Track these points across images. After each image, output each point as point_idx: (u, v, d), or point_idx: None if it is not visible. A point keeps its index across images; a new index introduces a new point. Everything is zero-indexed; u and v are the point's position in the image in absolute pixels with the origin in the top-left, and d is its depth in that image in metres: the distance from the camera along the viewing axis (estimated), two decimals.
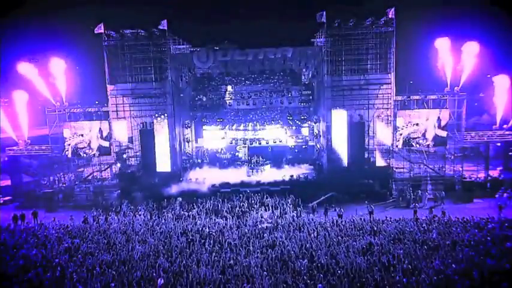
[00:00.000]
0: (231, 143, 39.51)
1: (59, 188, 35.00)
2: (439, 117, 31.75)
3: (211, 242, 21.26)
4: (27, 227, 25.55)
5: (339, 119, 31.91)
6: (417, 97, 32.65)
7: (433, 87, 34.10)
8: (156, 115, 32.80)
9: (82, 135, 33.99)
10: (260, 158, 38.75)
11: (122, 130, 33.79)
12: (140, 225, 24.94)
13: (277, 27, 49.75)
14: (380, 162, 32.47)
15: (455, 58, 31.88)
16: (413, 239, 20.53)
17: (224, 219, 25.63)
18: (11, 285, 17.01)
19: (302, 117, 39.43)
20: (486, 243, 19.41)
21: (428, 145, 32.58)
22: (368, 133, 32.28)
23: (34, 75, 34.72)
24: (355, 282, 16.16)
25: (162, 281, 16.55)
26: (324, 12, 30.96)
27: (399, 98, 32.33)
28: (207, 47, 34.29)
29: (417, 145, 32.75)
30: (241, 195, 30.00)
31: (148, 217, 26.84)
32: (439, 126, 31.75)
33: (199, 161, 40.25)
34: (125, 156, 34.48)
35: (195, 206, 28.18)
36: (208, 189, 31.88)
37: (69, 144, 34.18)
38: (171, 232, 22.98)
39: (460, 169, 33.15)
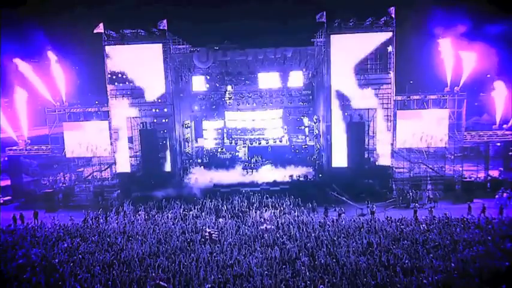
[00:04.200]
0: (231, 143, 39.48)
1: (59, 188, 35.00)
2: (439, 117, 31.80)
3: (211, 242, 21.28)
4: (27, 227, 25.55)
5: (339, 119, 31.93)
6: (417, 97, 32.63)
7: (433, 87, 34.11)
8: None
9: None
10: (260, 158, 38.77)
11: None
12: (140, 225, 24.95)
13: (277, 27, 49.82)
14: (380, 162, 32.45)
15: (456, 58, 31.89)
16: (413, 239, 20.55)
17: (224, 219, 25.63)
18: (11, 285, 17.02)
19: (302, 117, 39.45)
20: (486, 243, 19.44)
21: (428, 145, 32.57)
22: (368, 133, 32.26)
23: (34, 75, 34.76)
24: (355, 282, 16.18)
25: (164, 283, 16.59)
26: (324, 13, 30.97)
27: (399, 98, 32.31)
28: (207, 47, 34.26)
29: (417, 145, 32.74)
30: (241, 195, 29.99)
31: (148, 217, 26.81)
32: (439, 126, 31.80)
33: (199, 160, 40.24)
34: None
35: (195, 206, 28.18)
36: (208, 189, 31.88)
37: (68, 144, 34.23)
38: (171, 232, 23.00)
39: (460, 169, 33.15)
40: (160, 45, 32.60)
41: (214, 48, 34.24)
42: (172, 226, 24.27)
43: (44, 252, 20.57)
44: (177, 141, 34.76)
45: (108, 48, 32.76)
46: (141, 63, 32.83)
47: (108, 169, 36.04)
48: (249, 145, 39.29)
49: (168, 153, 33.69)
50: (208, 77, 37.43)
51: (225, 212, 26.85)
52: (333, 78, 31.53)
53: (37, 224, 26.47)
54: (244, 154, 40.28)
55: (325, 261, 18.02)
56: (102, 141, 34.13)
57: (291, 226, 23.24)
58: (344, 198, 29.41)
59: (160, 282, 16.56)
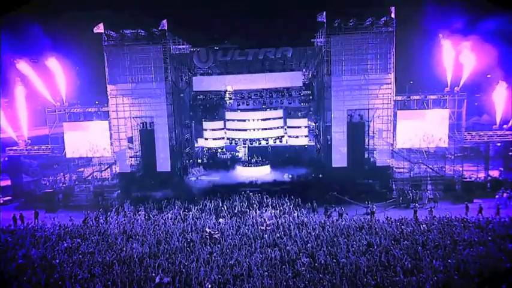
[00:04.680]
0: (231, 143, 39.46)
1: (59, 188, 35.01)
2: (439, 117, 31.82)
3: (211, 242, 21.29)
4: (27, 227, 25.55)
5: (339, 119, 31.94)
6: (417, 97, 32.66)
7: (433, 87, 34.11)
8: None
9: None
10: (260, 158, 38.76)
11: None
12: (140, 225, 24.95)
13: (277, 27, 49.77)
14: (380, 162, 32.47)
15: (456, 58, 31.89)
16: (413, 239, 20.54)
17: (224, 219, 25.63)
18: (11, 285, 17.03)
19: (302, 117, 39.43)
20: (486, 243, 19.44)
21: (428, 145, 32.59)
22: (368, 133, 32.28)
23: (34, 75, 34.75)
24: (355, 282, 16.17)
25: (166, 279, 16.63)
26: (324, 12, 30.98)
27: (399, 98, 32.33)
28: (207, 47, 34.26)
29: (417, 145, 32.76)
30: (241, 195, 29.98)
31: (149, 217, 26.80)
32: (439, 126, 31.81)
33: (199, 160, 40.22)
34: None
35: (195, 206, 28.18)
36: (208, 189, 31.88)
37: (69, 144, 34.24)
38: (171, 232, 23.00)
39: (460, 169, 33.16)
40: (160, 45, 32.62)
41: (214, 48, 34.24)
42: (173, 226, 24.25)
43: (44, 252, 20.57)
44: (177, 141, 34.76)
45: (108, 48, 32.79)
46: (141, 63, 32.87)
47: (108, 169, 36.05)
48: (249, 145, 39.28)
49: (168, 153, 33.68)
50: (208, 77, 37.42)
51: (225, 212, 26.84)
52: (333, 78, 31.55)
53: (37, 224, 26.47)
54: (244, 154, 40.27)
55: (325, 262, 18.01)
56: (102, 141, 34.13)
57: (291, 226, 23.23)
58: (346, 198, 29.42)
59: (163, 280, 16.57)
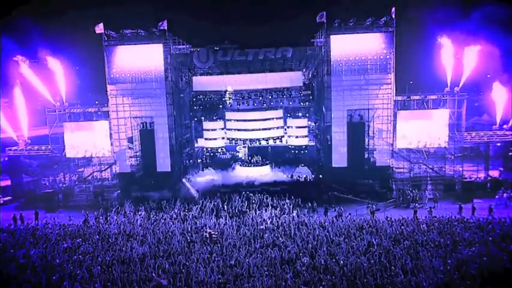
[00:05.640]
0: (231, 143, 39.43)
1: (59, 188, 35.00)
2: (439, 117, 31.82)
3: (211, 242, 21.28)
4: (27, 227, 25.55)
5: (339, 119, 31.94)
6: (417, 97, 32.67)
7: (433, 87, 34.13)
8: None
9: None
10: (260, 158, 38.74)
11: None
12: (140, 225, 24.94)
13: (277, 27, 49.83)
14: (380, 162, 32.47)
15: (456, 58, 31.91)
16: (414, 239, 20.54)
17: (224, 219, 25.61)
18: (11, 285, 17.02)
19: (302, 117, 39.41)
20: (486, 243, 19.44)
21: (428, 145, 32.59)
22: (368, 133, 32.29)
23: (34, 75, 34.75)
24: (355, 282, 16.17)
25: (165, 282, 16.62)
26: (324, 13, 30.97)
27: (399, 98, 32.33)
28: (207, 47, 34.27)
29: (417, 145, 32.76)
30: (240, 195, 29.96)
31: (149, 217, 26.78)
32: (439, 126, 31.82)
33: (199, 160, 40.19)
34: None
35: (195, 206, 28.16)
36: (208, 189, 31.87)
37: (69, 144, 34.24)
38: (171, 232, 22.99)
39: (460, 169, 33.15)
40: (161, 45, 32.60)
41: (214, 48, 34.22)
42: (173, 226, 24.25)
43: (44, 252, 20.57)
44: (177, 141, 34.75)
45: (108, 48, 32.78)
46: (141, 63, 32.86)
47: (108, 169, 36.04)
48: (249, 145, 39.26)
49: (168, 153, 33.67)
50: (208, 77, 37.40)
51: (225, 212, 26.83)
52: (333, 78, 31.55)
53: (38, 224, 26.47)
54: (244, 154, 40.25)
55: (325, 261, 18.00)
56: (102, 141, 34.12)
57: (291, 226, 23.23)
58: (350, 196, 29.44)
59: (161, 280, 16.55)
